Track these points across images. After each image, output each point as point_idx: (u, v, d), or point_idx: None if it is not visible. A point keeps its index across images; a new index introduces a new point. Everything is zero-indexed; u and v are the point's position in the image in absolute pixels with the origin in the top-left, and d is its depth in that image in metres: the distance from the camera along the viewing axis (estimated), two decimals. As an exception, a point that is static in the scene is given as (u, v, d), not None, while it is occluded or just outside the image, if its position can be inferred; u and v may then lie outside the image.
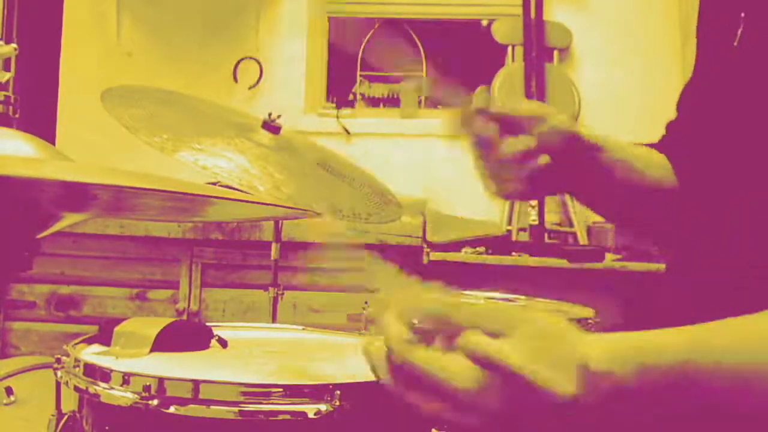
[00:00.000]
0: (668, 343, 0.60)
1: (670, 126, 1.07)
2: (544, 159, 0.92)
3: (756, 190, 0.78)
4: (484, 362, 0.58)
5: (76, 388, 0.91)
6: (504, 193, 0.95)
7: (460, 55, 3.34)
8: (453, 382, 0.58)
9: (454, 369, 0.59)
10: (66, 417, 0.97)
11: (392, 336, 0.61)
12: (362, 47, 3.30)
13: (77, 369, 0.92)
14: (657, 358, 0.59)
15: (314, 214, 1.07)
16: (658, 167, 1.01)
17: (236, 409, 0.82)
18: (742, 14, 0.85)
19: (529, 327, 0.60)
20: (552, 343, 0.60)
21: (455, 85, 0.99)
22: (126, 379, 0.85)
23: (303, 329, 1.23)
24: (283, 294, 1.72)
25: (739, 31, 0.85)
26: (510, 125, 0.95)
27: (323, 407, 0.81)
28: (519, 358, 0.58)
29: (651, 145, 1.07)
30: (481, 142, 0.94)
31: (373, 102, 3.29)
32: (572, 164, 0.95)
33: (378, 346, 0.63)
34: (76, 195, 0.81)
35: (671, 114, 1.07)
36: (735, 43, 0.85)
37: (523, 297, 1.67)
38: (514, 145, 0.92)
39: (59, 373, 0.94)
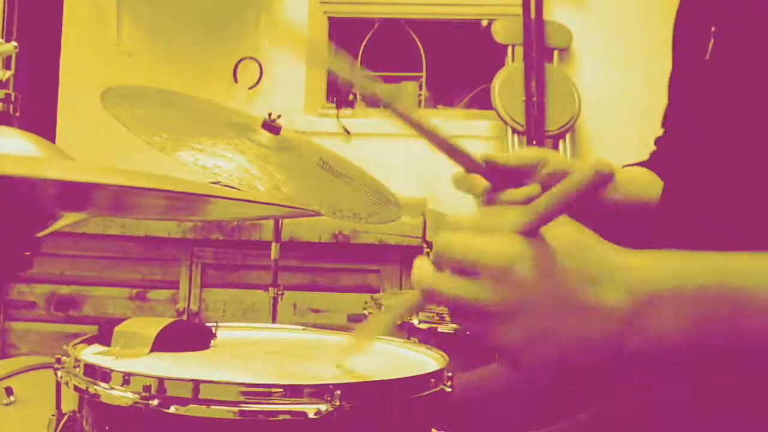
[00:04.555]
0: (703, 262, 0.59)
1: (658, 141, 1.10)
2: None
3: (741, 201, 0.79)
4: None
5: (76, 388, 0.91)
6: None
7: (460, 55, 3.33)
8: (483, 259, 0.58)
9: (485, 248, 0.59)
10: (66, 417, 0.96)
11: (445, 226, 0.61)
12: (362, 47, 3.30)
13: (77, 369, 0.91)
14: (691, 279, 0.58)
15: (314, 213, 1.07)
16: (647, 189, 1.04)
17: (236, 409, 0.82)
18: (713, 29, 0.86)
19: (564, 229, 0.61)
20: (588, 243, 0.61)
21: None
22: (126, 379, 0.85)
23: (303, 329, 1.23)
24: (283, 294, 1.72)
25: (710, 45, 0.86)
26: (511, 174, 0.97)
27: (323, 407, 0.80)
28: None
29: (642, 163, 1.09)
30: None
31: (373, 102, 3.29)
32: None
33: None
34: (76, 194, 0.81)
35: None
36: (706, 57, 0.86)
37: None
38: (513, 195, 0.95)
39: (59, 373, 0.94)
